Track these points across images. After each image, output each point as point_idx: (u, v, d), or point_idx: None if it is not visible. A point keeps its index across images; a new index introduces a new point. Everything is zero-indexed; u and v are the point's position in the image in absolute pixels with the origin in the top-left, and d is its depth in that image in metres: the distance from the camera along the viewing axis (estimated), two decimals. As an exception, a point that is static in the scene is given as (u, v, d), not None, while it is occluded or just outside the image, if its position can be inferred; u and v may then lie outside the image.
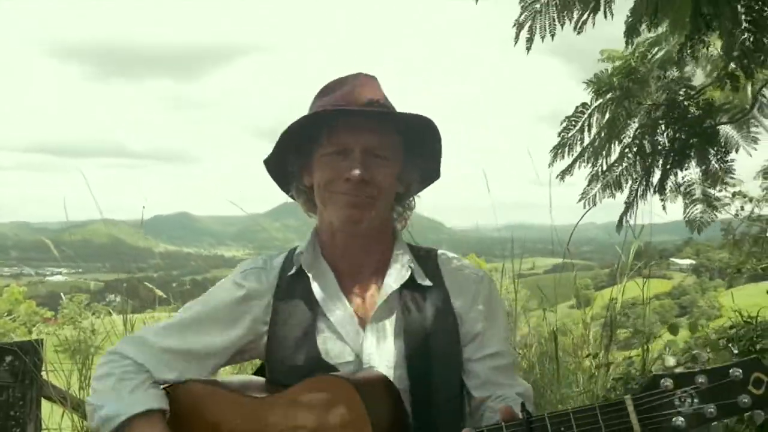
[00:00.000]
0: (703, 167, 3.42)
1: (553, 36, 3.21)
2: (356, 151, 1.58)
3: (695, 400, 1.27)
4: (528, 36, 3.27)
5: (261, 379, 1.74)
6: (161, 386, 1.64)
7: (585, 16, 3.17)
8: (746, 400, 1.25)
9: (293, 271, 1.66)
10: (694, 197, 3.53)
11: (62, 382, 3.73)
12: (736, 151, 3.65)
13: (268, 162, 1.70)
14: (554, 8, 3.19)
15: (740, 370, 1.26)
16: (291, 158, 1.67)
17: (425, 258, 1.71)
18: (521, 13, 3.30)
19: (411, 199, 1.77)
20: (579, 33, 3.22)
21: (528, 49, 3.27)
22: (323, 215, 1.66)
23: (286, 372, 1.59)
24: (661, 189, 3.52)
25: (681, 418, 1.26)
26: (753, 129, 3.63)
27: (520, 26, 3.28)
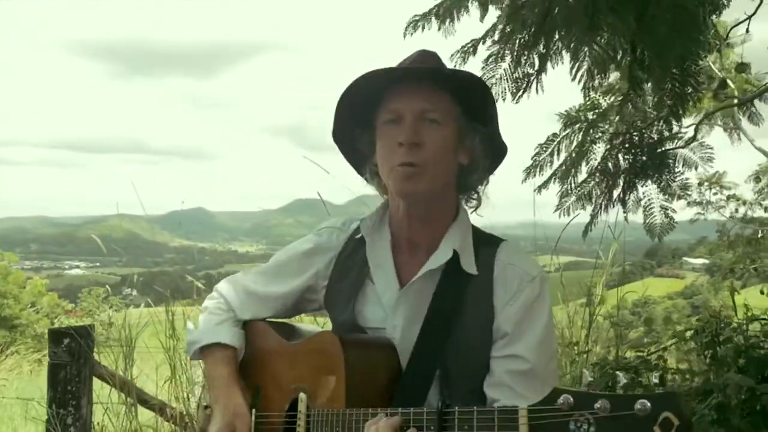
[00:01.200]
0: (660, 184, 3.92)
1: (504, 99, 3.93)
2: (407, 117, 1.56)
3: (591, 428, 1.10)
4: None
5: (317, 328, 1.90)
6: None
7: (520, 92, 3.92)
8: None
9: (359, 235, 1.71)
10: (652, 209, 3.96)
11: (111, 363, 4.19)
12: (696, 168, 4.16)
13: (336, 136, 1.71)
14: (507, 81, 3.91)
15: (648, 404, 1.06)
16: (357, 133, 1.67)
17: (485, 245, 1.66)
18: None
19: (481, 176, 1.70)
20: (518, 102, 3.94)
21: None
22: (389, 186, 1.65)
23: (335, 326, 1.70)
24: (623, 203, 4.03)
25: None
26: (708, 151, 4.15)
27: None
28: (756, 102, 5.77)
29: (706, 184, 9.56)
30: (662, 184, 3.89)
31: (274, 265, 1.82)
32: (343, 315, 1.66)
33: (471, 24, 4.06)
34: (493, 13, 4.08)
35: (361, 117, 1.63)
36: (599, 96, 4.31)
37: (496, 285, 1.59)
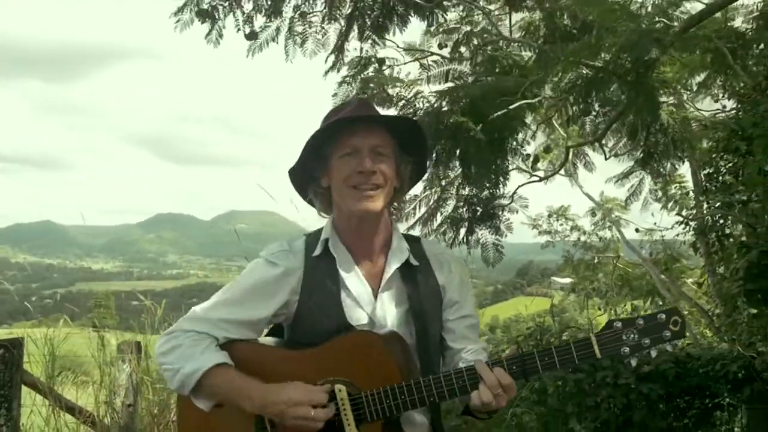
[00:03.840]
0: (490, 228, 5.58)
1: None
2: (365, 150, 1.88)
3: (635, 336, 1.75)
4: None
5: (279, 339, 2.05)
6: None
7: None
8: (668, 334, 1.73)
9: (318, 252, 1.94)
10: (487, 246, 5.52)
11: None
12: (516, 213, 5.86)
13: (293, 172, 2.00)
14: None
15: (664, 315, 1.75)
16: (312, 164, 1.96)
17: (413, 243, 2.02)
18: None
19: (404, 194, 2.10)
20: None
21: None
22: (341, 207, 1.94)
23: (313, 333, 1.89)
24: (467, 242, 5.62)
25: (626, 348, 1.74)
26: (524, 200, 5.88)
27: None
28: (590, 152, 7.28)
29: (554, 215, 11.17)
30: (492, 228, 5.60)
31: (241, 294, 1.93)
32: (328, 320, 1.89)
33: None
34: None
35: (319, 151, 1.94)
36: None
37: (435, 269, 2.00)
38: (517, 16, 6.86)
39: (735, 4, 5.88)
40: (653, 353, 1.76)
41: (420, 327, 1.92)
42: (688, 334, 5.40)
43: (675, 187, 8.44)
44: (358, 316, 1.91)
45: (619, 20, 3.38)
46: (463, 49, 6.98)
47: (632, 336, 1.75)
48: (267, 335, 2.09)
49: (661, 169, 5.76)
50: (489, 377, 1.75)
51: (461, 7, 6.60)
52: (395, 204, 2.11)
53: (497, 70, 6.39)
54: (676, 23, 4.74)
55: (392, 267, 1.95)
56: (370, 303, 1.93)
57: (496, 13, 7.05)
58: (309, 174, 1.98)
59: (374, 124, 1.93)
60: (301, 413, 1.75)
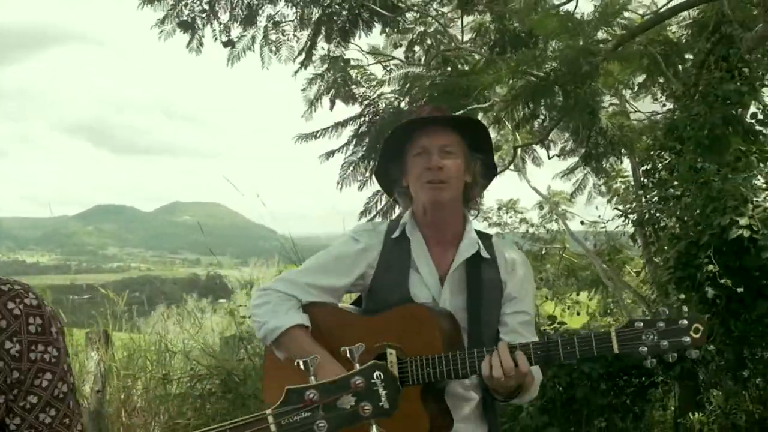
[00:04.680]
0: None
1: None
2: (433, 149, 2.08)
3: (655, 338, 1.77)
4: None
5: (356, 306, 2.29)
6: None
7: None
8: (687, 340, 1.75)
9: (396, 234, 2.16)
10: None
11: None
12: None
13: (378, 174, 2.29)
14: None
15: (686, 321, 1.77)
16: (392, 167, 2.20)
17: (484, 239, 2.20)
18: None
19: (479, 191, 2.25)
20: None
21: None
22: (418, 200, 2.14)
23: (383, 304, 2.12)
24: None
25: (644, 347, 1.76)
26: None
27: None
28: (538, 148, 7.69)
29: (504, 208, 11.64)
30: None
31: (326, 264, 2.19)
32: (396, 295, 2.11)
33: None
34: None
35: (393, 154, 2.19)
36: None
37: (500, 265, 2.16)
38: (469, 17, 7.23)
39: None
40: (671, 358, 1.79)
41: (474, 314, 2.10)
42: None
43: (617, 182, 8.92)
44: (422, 296, 2.10)
45: (560, 35, 3.72)
46: (417, 48, 7.32)
47: (652, 337, 1.78)
48: (352, 304, 2.33)
49: (601, 167, 6.22)
50: (505, 358, 1.89)
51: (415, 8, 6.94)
52: (470, 199, 2.24)
53: (449, 69, 6.79)
54: (617, 29, 5.15)
55: (461, 257, 2.13)
56: (436, 286, 2.12)
57: (449, 15, 7.39)
58: (391, 176, 2.21)
59: (441, 125, 2.13)
60: None
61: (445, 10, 7.18)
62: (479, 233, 2.22)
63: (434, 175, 2.07)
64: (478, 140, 2.18)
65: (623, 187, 8.96)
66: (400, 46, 7.23)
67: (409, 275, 2.13)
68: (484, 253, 2.15)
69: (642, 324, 1.81)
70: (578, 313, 10.94)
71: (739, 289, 4.46)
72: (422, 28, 7.18)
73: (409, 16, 6.64)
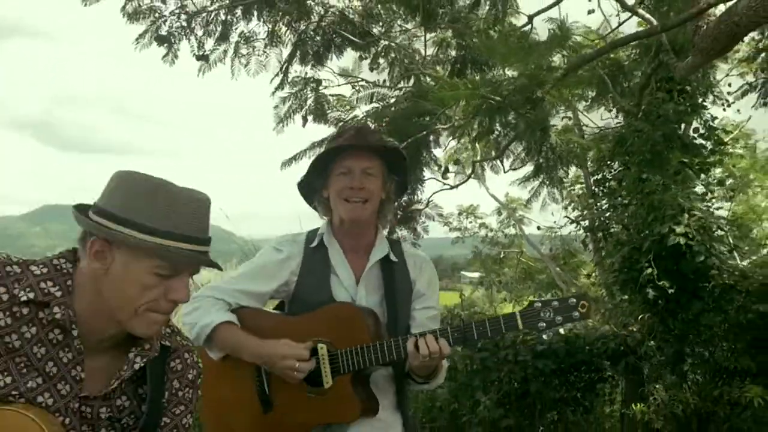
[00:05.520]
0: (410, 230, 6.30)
1: None
2: (356, 171, 2.30)
3: (551, 314, 2.13)
4: None
5: (280, 310, 2.50)
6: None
7: None
8: (576, 314, 2.13)
9: (315, 244, 2.39)
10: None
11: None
12: (433, 219, 6.74)
13: (302, 185, 2.44)
14: None
15: (575, 300, 2.15)
16: (315, 179, 2.39)
17: (395, 245, 2.46)
18: None
19: (391, 207, 2.48)
20: None
21: None
22: (337, 212, 2.36)
23: (307, 306, 2.32)
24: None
25: (543, 323, 2.13)
26: (438, 209, 6.79)
27: None
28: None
29: (464, 214, 12.08)
30: (410, 229, 6.53)
31: (252, 272, 2.39)
32: (318, 297, 2.32)
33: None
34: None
35: (321, 169, 2.37)
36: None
37: (409, 267, 2.43)
38: (432, 33, 7.60)
39: (617, 31, 6.82)
40: (562, 330, 2.30)
41: (391, 309, 2.34)
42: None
43: (570, 190, 9.37)
44: (342, 296, 2.33)
45: (510, 61, 4.11)
46: (381, 60, 7.67)
47: (548, 314, 2.14)
48: (274, 309, 2.52)
49: (552, 178, 6.71)
50: (430, 341, 2.14)
51: (381, 24, 7.29)
52: (384, 213, 2.46)
53: (412, 81, 7.16)
54: (568, 51, 5.56)
55: (372, 260, 2.37)
56: (353, 287, 2.35)
57: (413, 30, 7.76)
58: (313, 187, 2.41)
59: (365, 150, 2.33)
60: (288, 365, 2.17)
61: (409, 26, 7.53)
62: (390, 240, 2.47)
63: (355, 194, 2.29)
64: (396, 164, 2.41)
65: (581, 192, 9.42)
66: (366, 58, 7.57)
67: (330, 279, 2.35)
68: (393, 257, 2.40)
69: (540, 305, 2.16)
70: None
71: (671, 290, 4.89)
72: (387, 42, 7.55)
73: (375, 30, 7.01)
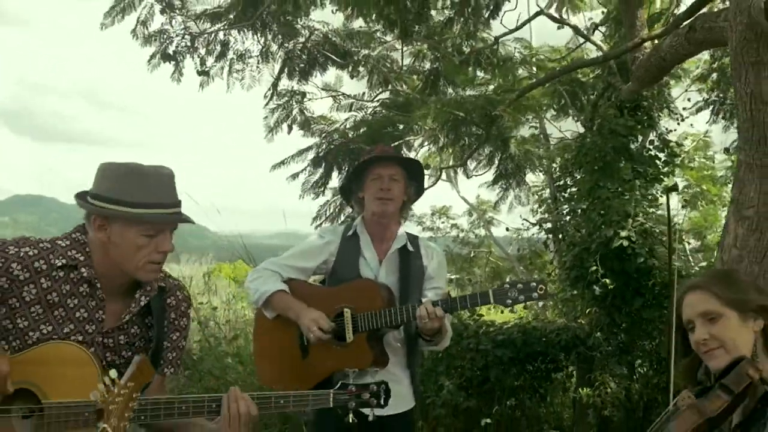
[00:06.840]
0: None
1: None
2: (385, 177, 2.96)
3: (516, 293, 2.69)
4: None
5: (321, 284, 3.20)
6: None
7: None
8: (536, 295, 2.70)
9: (350, 233, 3.05)
10: None
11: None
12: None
13: (343, 189, 3.32)
14: None
15: (535, 284, 2.71)
16: (353, 185, 3.08)
17: (413, 238, 3.10)
18: None
19: (409, 206, 3.19)
20: None
21: None
22: (369, 209, 3.02)
23: (341, 280, 2.99)
24: None
25: (510, 300, 2.68)
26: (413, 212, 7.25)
27: None
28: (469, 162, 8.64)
29: (437, 214, 12.65)
30: None
31: (302, 251, 3.08)
32: (352, 273, 3.00)
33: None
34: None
35: (356, 176, 3.07)
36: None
37: (423, 255, 3.07)
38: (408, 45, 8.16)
39: (583, 47, 7.39)
40: (525, 306, 2.80)
41: (404, 287, 3.00)
42: (538, 312, 6.85)
43: (537, 194, 9.94)
44: (367, 274, 3.01)
45: (470, 84, 4.68)
46: (361, 68, 8.20)
47: (514, 294, 2.72)
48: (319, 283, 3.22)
49: (515, 182, 7.34)
50: (429, 306, 2.73)
51: (362, 40, 7.83)
52: (404, 211, 3.19)
53: (390, 88, 7.70)
54: (531, 67, 6.12)
55: (393, 248, 3.05)
56: (377, 267, 3.04)
57: (391, 42, 8.30)
58: (351, 190, 3.10)
59: (392, 161, 3.04)
60: (311, 328, 2.81)
61: (388, 38, 8.07)
62: (409, 235, 3.12)
63: (384, 194, 2.96)
64: (415, 172, 3.10)
65: (544, 197, 9.97)
66: (347, 65, 8.12)
67: (359, 260, 3.02)
68: (410, 247, 3.06)
69: (508, 286, 2.75)
70: (502, 311, 11.91)
71: (611, 287, 5.44)
72: (366, 51, 8.10)
73: (354, 49, 7.64)
